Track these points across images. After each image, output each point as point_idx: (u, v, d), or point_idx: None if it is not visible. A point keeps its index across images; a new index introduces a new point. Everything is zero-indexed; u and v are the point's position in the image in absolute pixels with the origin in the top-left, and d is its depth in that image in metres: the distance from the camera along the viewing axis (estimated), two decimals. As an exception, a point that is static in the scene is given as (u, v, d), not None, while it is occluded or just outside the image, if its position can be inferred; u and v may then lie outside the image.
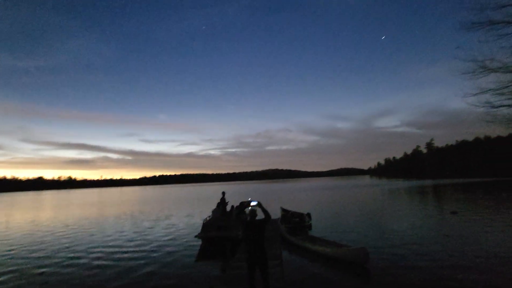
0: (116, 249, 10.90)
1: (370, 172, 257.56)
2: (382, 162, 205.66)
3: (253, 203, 5.54)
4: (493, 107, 6.67)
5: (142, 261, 9.06)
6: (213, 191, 68.38)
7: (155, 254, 9.89)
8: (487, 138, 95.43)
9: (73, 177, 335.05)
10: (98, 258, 9.68)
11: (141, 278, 7.50)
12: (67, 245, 12.20)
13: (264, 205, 5.66)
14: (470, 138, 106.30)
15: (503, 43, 6.25)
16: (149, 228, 15.79)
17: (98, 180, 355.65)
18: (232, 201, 14.81)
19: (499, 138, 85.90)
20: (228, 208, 13.23)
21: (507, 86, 6.31)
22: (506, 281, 6.18)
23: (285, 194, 42.28)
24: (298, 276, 7.13)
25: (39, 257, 10.24)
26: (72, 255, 10.37)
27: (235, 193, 51.43)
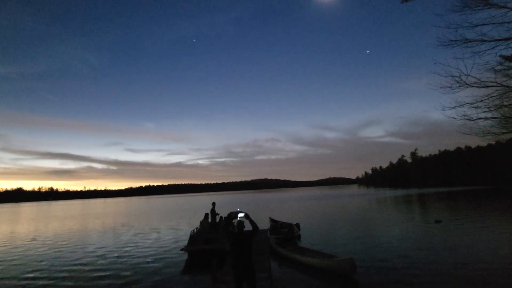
0: (97, 264, 10.47)
1: (357, 181, 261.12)
2: (369, 171, 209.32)
3: (240, 215, 5.51)
4: (470, 119, 6.99)
5: (125, 276, 8.73)
6: (202, 201, 67.32)
7: (138, 269, 9.54)
8: (468, 148, 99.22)
9: (54, 188, 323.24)
10: (77, 274, 9.25)
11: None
12: (43, 261, 11.54)
13: (252, 215, 5.65)
14: (452, 148, 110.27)
15: (477, 60, 6.64)
16: (133, 241, 15.29)
17: (81, 191, 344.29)
18: (221, 212, 14.62)
19: (479, 148, 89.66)
20: (218, 219, 13.05)
21: (482, 100, 6.67)
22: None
23: (274, 204, 42.13)
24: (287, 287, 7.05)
25: (6, 277, 9.67)
26: (48, 272, 9.83)
27: (224, 203, 50.76)
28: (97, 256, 11.93)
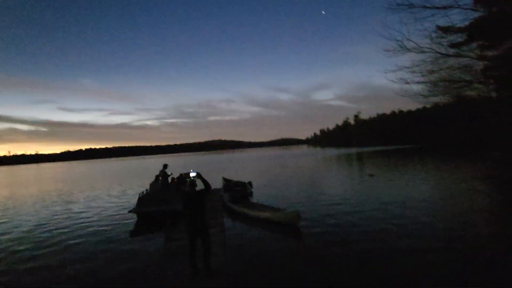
0: (32, 235, 9.55)
1: (307, 142, 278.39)
2: (318, 132, 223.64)
3: (192, 174, 5.41)
4: (406, 83, 7.69)
5: (65, 243, 8.22)
6: (152, 164, 64.98)
7: (80, 236, 8.99)
8: (401, 112, 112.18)
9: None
10: (9, 243, 8.39)
11: (65, 260, 6.83)
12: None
13: (205, 176, 5.59)
14: (388, 111, 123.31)
15: (418, 26, 7.13)
16: (72, 208, 14.23)
17: (5, 157, 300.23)
18: (174, 174, 14.30)
19: (410, 111, 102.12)
20: (170, 180, 12.76)
21: (418, 65, 7.33)
22: (401, 229, 7.66)
23: (228, 165, 42.95)
24: (239, 240, 7.49)
25: None
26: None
27: (176, 165, 49.88)
28: (31, 227, 10.86)
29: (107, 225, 10.03)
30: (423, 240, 6.59)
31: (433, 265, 5.31)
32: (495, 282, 4.62)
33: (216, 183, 16.40)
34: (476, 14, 8.08)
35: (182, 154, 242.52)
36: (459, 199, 10.67)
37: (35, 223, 11.04)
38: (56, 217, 12.03)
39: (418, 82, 7.68)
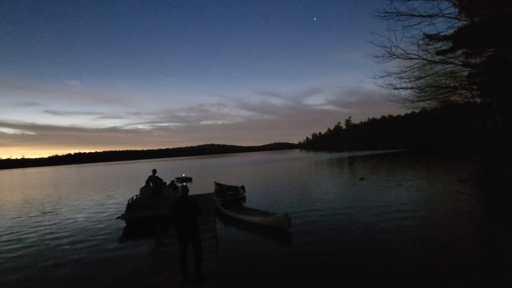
0: (17, 241, 9.32)
1: (300, 146, 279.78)
2: (310, 137, 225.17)
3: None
4: (395, 88, 7.90)
5: (52, 251, 8.02)
6: (144, 168, 64.10)
7: (68, 243, 8.82)
8: (390, 116, 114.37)
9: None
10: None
11: (53, 268, 6.65)
12: None
13: (198, 180, 5.59)
14: (378, 116, 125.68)
15: (406, 33, 7.41)
16: (58, 215, 13.92)
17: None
18: (167, 179, 14.18)
19: (398, 116, 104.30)
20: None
21: (405, 71, 7.55)
22: (392, 227, 7.78)
23: (221, 169, 42.75)
24: (231, 245, 7.46)
25: None
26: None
27: (168, 169, 49.35)
28: (16, 235, 10.56)
29: (95, 232, 9.82)
30: (409, 242, 6.71)
31: (416, 264, 5.40)
32: (468, 275, 4.73)
33: (209, 188, 16.32)
34: (460, 23, 8.42)
35: (175, 158, 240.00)
36: (443, 200, 10.93)
37: (19, 232, 10.72)
38: (42, 224, 11.72)
39: (406, 88, 7.90)
